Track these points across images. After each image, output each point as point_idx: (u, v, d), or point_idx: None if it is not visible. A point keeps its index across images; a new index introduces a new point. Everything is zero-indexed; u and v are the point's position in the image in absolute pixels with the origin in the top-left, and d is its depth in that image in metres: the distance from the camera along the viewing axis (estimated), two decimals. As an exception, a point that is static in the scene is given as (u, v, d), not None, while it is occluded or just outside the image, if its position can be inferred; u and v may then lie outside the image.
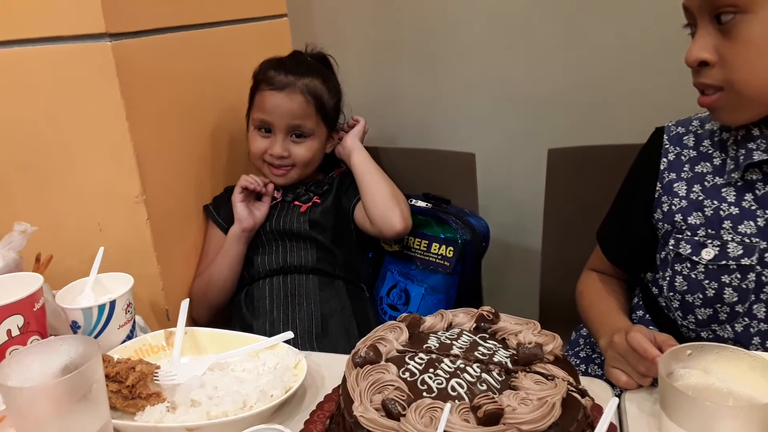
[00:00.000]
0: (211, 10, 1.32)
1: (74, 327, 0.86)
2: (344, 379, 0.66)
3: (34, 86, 1.12)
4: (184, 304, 0.91)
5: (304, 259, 1.26)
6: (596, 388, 0.74)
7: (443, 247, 1.28)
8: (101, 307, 0.85)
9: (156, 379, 0.78)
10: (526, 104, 1.49)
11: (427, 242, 1.31)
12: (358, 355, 0.67)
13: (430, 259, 1.30)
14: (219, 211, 1.30)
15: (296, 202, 1.30)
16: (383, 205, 1.23)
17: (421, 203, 1.31)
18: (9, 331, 0.77)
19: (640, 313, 0.94)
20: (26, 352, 0.66)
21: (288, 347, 0.84)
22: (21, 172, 1.14)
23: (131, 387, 0.75)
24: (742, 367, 0.56)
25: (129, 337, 0.89)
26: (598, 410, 0.68)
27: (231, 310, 1.29)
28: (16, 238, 0.92)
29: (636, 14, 1.36)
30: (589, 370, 1.01)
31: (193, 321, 1.26)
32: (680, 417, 0.52)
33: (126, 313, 0.88)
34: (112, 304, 0.85)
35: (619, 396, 0.73)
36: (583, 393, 0.62)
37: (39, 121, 1.13)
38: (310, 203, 1.30)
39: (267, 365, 0.82)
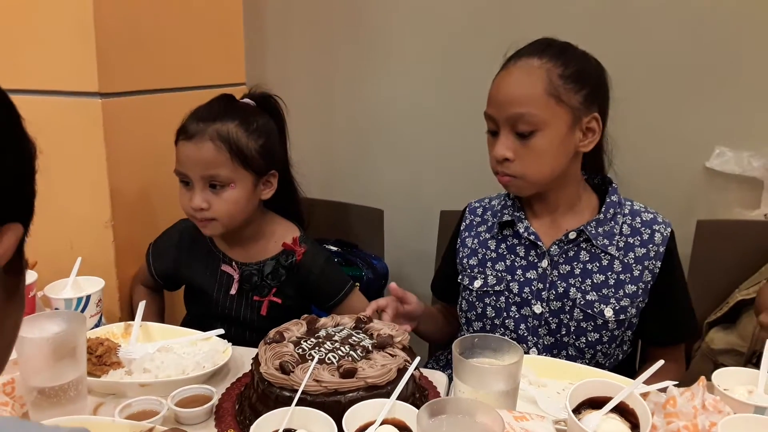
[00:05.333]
0: (183, 77, 1.62)
1: (55, 314, 1.12)
2: (257, 354, 0.95)
3: (31, 128, 1.39)
4: (142, 304, 1.17)
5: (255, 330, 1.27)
6: (437, 375, 1.06)
7: (351, 283, 1.59)
8: (79, 299, 1.11)
9: (118, 354, 1.04)
10: (427, 172, 1.89)
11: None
12: (269, 337, 0.97)
13: (342, 292, 1.60)
14: (156, 259, 1.36)
15: (255, 297, 1.26)
16: None
17: (332, 248, 1.61)
18: (8, 311, 1.03)
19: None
20: (30, 320, 0.92)
21: (219, 339, 1.12)
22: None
23: (99, 356, 1.01)
24: (507, 349, 0.89)
25: (97, 325, 1.15)
26: (429, 384, 1.00)
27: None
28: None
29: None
30: (430, 365, 1.34)
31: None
32: (464, 377, 0.84)
33: (97, 307, 1.15)
34: (88, 297, 1.13)
35: (450, 379, 1.05)
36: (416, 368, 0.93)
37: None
38: (268, 299, 1.25)
39: (202, 350, 1.09)
